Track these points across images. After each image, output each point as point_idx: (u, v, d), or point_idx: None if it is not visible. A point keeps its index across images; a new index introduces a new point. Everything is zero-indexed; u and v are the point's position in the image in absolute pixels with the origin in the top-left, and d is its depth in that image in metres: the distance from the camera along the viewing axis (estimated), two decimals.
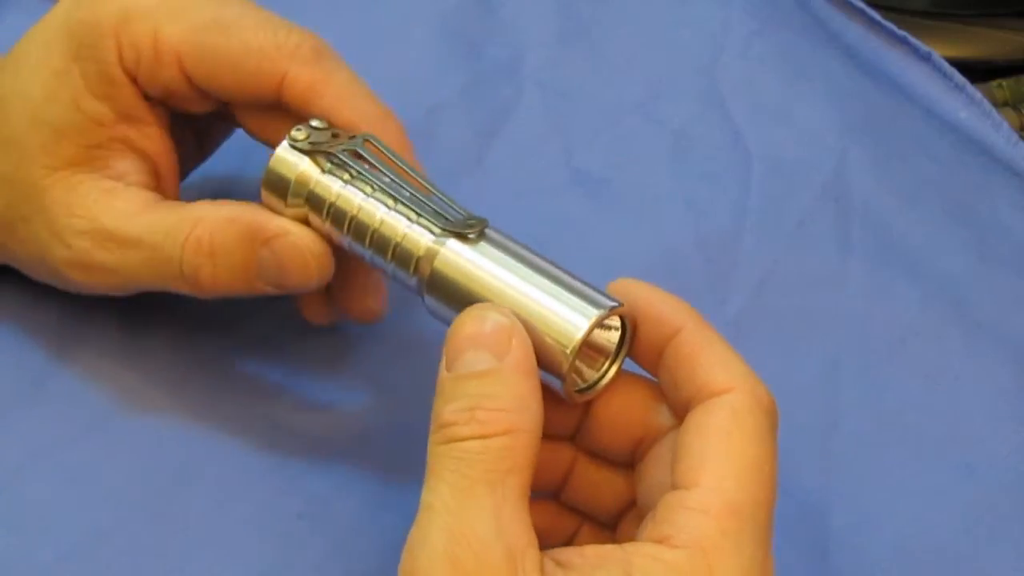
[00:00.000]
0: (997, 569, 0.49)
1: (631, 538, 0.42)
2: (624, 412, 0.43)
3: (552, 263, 0.43)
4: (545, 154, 0.61)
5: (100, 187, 0.48)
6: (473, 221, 0.44)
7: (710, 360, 0.41)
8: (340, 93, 0.47)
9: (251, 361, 0.53)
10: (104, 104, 0.48)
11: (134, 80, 0.48)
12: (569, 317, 0.41)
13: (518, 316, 0.41)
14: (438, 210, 0.44)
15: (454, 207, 0.44)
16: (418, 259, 0.44)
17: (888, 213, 0.59)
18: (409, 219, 0.44)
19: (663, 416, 0.43)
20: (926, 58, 0.63)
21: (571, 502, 0.45)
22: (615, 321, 0.43)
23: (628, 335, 0.43)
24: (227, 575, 0.47)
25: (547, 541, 0.40)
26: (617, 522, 0.45)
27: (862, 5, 0.64)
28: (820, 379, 0.54)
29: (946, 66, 0.62)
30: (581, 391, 0.43)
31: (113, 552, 0.47)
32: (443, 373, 0.40)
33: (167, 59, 0.47)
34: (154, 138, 0.49)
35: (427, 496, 0.39)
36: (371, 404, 0.52)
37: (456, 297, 0.43)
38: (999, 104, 0.65)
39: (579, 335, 0.41)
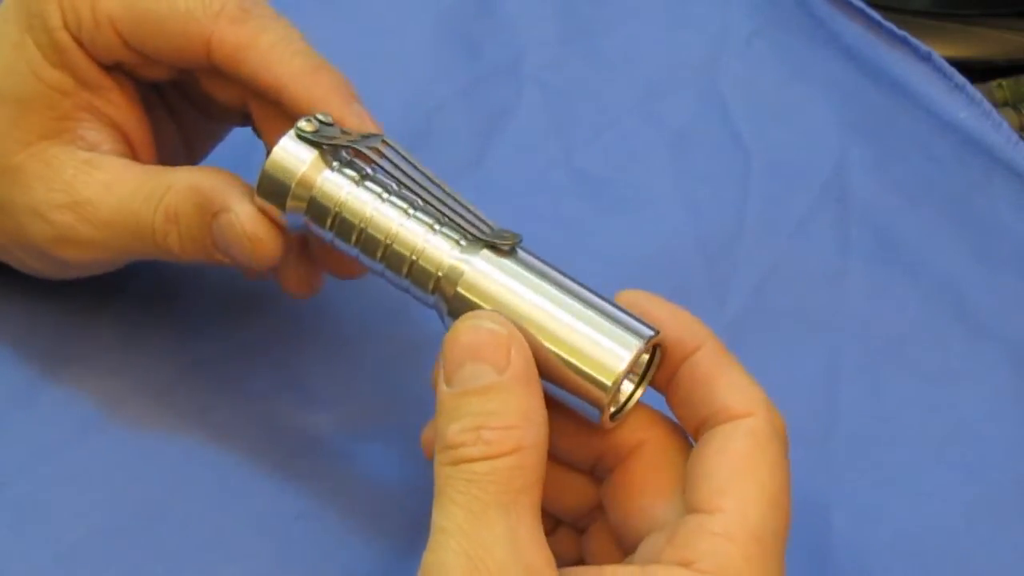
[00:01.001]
0: (997, 569, 0.49)
1: (601, 546, 0.43)
2: (583, 426, 0.42)
3: (584, 286, 0.41)
4: (545, 154, 0.61)
5: (76, 159, 0.47)
6: (506, 234, 0.41)
7: (728, 383, 0.41)
8: (265, 52, 0.46)
9: (250, 361, 0.53)
10: (62, 72, 0.47)
11: (82, 46, 0.48)
12: (611, 347, 0.40)
13: (554, 345, 0.40)
14: (466, 219, 0.42)
15: (479, 216, 0.42)
16: (438, 278, 0.42)
17: (888, 213, 0.59)
18: (430, 229, 0.42)
19: (627, 436, 0.42)
20: (926, 58, 0.63)
21: None
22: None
23: (656, 359, 0.42)
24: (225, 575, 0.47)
25: None
26: (584, 525, 0.44)
27: (862, 5, 0.64)
28: (820, 379, 0.54)
29: (946, 66, 0.62)
30: (611, 416, 0.42)
31: (112, 553, 0.47)
32: (443, 388, 0.39)
33: (103, 23, 0.47)
34: (120, 105, 0.49)
35: (439, 519, 0.38)
36: (370, 404, 0.52)
37: None
38: (999, 104, 0.65)
39: (622, 366, 0.40)
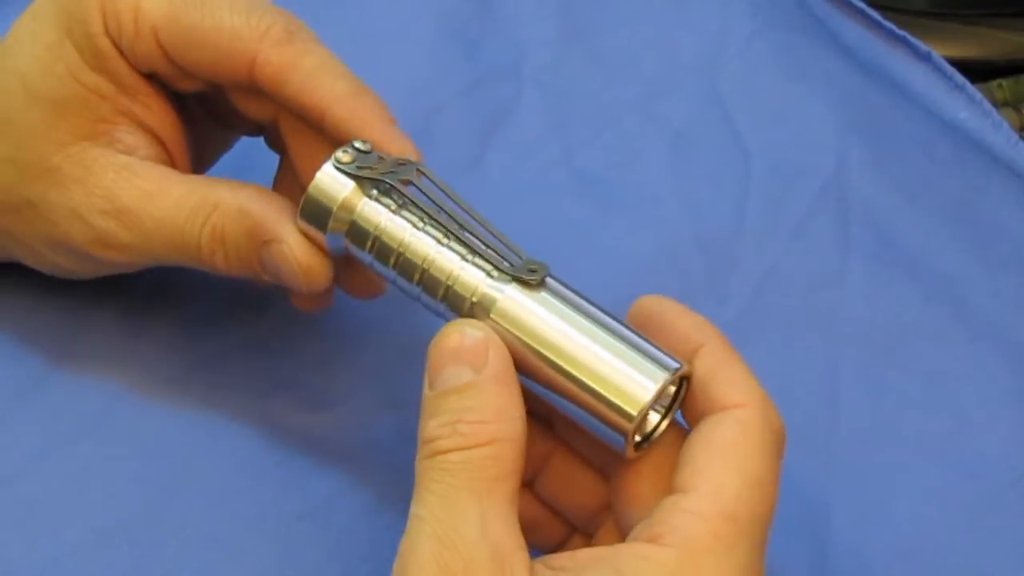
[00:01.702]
0: (997, 569, 0.49)
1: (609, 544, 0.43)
2: None
3: (613, 316, 0.42)
4: (545, 154, 0.61)
5: (116, 163, 0.47)
6: (535, 266, 0.42)
7: (726, 379, 0.41)
8: (310, 74, 0.47)
9: (251, 361, 0.53)
10: (101, 76, 0.48)
11: (122, 53, 0.48)
12: (637, 378, 0.40)
13: (583, 374, 0.41)
14: (495, 250, 0.43)
15: (511, 247, 0.43)
16: (472, 304, 0.42)
17: (888, 213, 0.59)
18: (463, 257, 0.43)
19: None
20: (926, 58, 0.63)
21: (546, 495, 0.45)
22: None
23: (683, 390, 0.42)
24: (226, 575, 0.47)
25: (538, 545, 0.40)
26: (593, 529, 0.45)
27: (862, 5, 0.64)
28: (820, 379, 0.54)
29: (946, 66, 0.62)
30: (636, 445, 0.42)
31: (113, 552, 0.48)
32: (426, 391, 0.41)
33: (145, 32, 0.47)
34: (157, 111, 0.49)
35: (415, 508, 0.39)
36: (371, 404, 0.52)
37: (513, 350, 0.41)
38: (999, 104, 0.65)
39: (648, 397, 0.40)
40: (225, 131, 0.53)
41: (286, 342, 0.54)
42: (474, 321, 0.41)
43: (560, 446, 0.45)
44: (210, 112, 0.52)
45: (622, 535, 0.42)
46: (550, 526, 0.45)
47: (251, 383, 0.52)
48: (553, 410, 0.43)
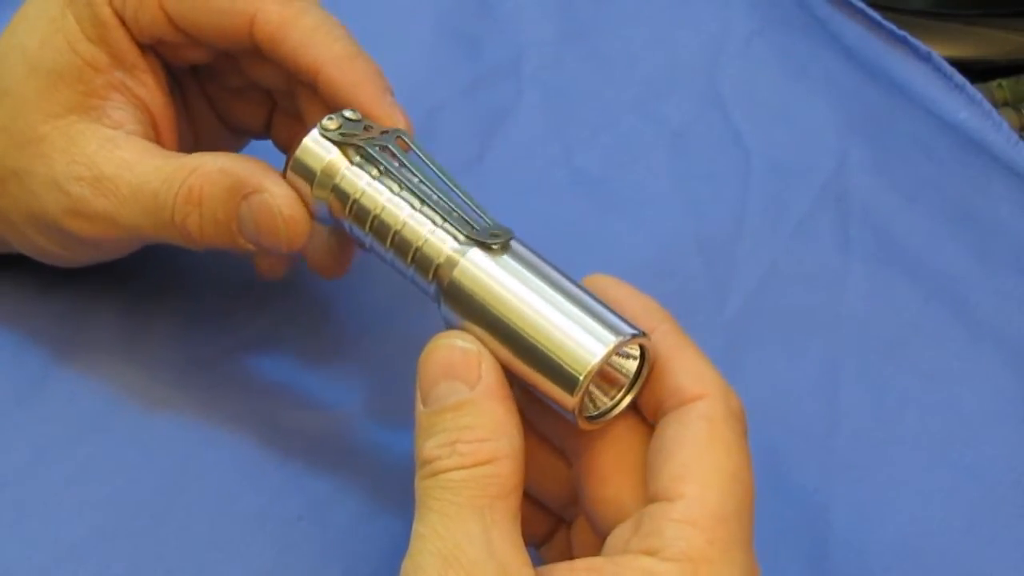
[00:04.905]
0: (998, 569, 0.49)
1: (584, 536, 0.43)
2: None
3: (574, 283, 0.42)
4: (545, 154, 0.61)
5: (101, 135, 0.47)
6: (498, 231, 0.42)
7: (681, 366, 0.41)
8: (307, 33, 0.47)
9: (251, 361, 0.53)
10: (98, 47, 0.48)
11: (124, 23, 0.48)
12: (585, 343, 0.40)
13: (534, 337, 0.40)
14: (465, 216, 0.43)
15: (481, 213, 0.43)
16: (438, 266, 0.43)
17: (888, 213, 0.59)
18: (434, 222, 0.43)
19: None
20: (926, 58, 0.63)
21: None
22: (634, 349, 0.42)
23: (647, 365, 0.42)
24: None
25: (525, 539, 0.39)
26: (571, 515, 0.44)
27: (862, 5, 0.64)
28: (820, 379, 0.54)
29: (946, 66, 0.62)
30: (592, 418, 0.42)
31: (113, 552, 0.48)
32: (419, 408, 0.40)
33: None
34: (150, 86, 0.49)
35: (417, 527, 0.39)
36: (371, 404, 0.52)
37: (471, 310, 0.41)
38: (999, 104, 0.65)
39: (593, 362, 0.40)
40: (231, 133, 0.53)
41: (286, 342, 0.54)
42: (464, 333, 0.41)
43: (529, 433, 0.44)
44: (216, 113, 0.52)
45: (591, 525, 0.43)
46: (534, 517, 0.45)
47: (251, 383, 0.52)
48: (517, 382, 0.42)
